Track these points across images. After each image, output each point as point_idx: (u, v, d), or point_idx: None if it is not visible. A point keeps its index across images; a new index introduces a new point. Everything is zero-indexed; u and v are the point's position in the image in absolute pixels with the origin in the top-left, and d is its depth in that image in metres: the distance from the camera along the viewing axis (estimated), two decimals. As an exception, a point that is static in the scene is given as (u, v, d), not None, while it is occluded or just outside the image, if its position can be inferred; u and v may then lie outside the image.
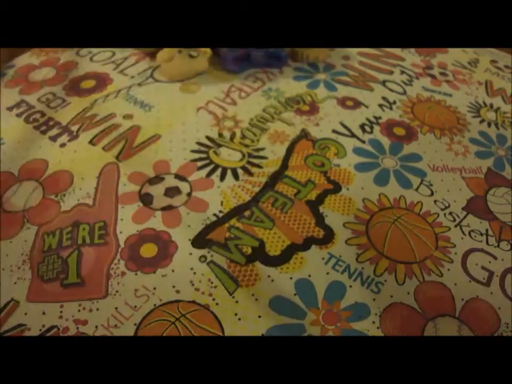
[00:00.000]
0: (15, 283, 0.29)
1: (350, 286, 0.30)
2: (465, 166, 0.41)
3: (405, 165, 0.40)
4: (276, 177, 0.37)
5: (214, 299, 0.28)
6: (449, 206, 0.37)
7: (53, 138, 0.40)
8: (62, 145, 0.39)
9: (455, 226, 0.35)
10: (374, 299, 0.29)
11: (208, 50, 0.47)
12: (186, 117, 0.43)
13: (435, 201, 0.37)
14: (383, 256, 0.32)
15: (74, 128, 0.41)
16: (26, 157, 0.38)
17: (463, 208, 0.37)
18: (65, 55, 0.52)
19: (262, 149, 0.40)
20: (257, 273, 0.30)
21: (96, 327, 0.27)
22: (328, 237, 0.33)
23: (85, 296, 0.28)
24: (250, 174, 0.38)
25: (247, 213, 0.34)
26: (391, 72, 0.54)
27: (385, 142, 0.43)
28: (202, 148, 0.40)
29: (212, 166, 0.38)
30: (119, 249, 0.31)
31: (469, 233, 0.34)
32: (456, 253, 0.33)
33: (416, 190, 0.38)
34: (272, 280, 0.30)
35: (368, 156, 0.41)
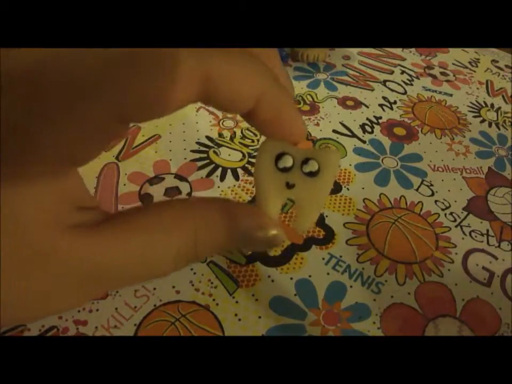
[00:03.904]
0: (15, 283, 0.29)
1: (351, 286, 0.30)
2: (465, 166, 0.41)
3: (405, 165, 0.40)
4: (276, 177, 0.38)
5: (214, 299, 0.28)
6: (449, 206, 0.37)
7: (53, 139, 0.40)
8: (62, 145, 0.39)
9: (456, 226, 0.35)
10: (374, 299, 0.29)
11: None
12: (186, 116, 0.43)
13: (436, 201, 0.37)
14: (384, 257, 0.32)
15: (74, 128, 0.41)
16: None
17: (463, 208, 0.37)
18: (65, 55, 0.52)
19: (262, 149, 0.40)
20: (257, 274, 0.30)
21: (96, 327, 0.27)
22: (329, 237, 0.33)
23: (85, 296, 0.28)
24: (251, 174, 0.38)
25: (247, 213, 0.34)
26: (392, 72, 0.53)
27: (386, 142, 0.43)
28: (202, 148, 0.40)
29: (212, 166, 0.38)
30: (119, 249, 0.31)
31: (470, 234, 0.34)
32: (456, 253, 0.33)
33: (417, 190, 0.38)
34: (272, 281, 0.30)
35: (368, 156, 0.41)
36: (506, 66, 0.58)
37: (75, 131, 0.13)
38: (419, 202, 0.37)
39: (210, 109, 0.44)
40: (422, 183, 0.39)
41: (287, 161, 0.19)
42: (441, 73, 0.54)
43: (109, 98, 0.13)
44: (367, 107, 0.47)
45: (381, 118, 0.46)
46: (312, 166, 0.18)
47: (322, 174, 0.18)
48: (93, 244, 0.14)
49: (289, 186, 0.19)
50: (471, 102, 0.50)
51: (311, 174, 0.18)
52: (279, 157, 0.18)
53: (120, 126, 0.14)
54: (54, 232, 0.13)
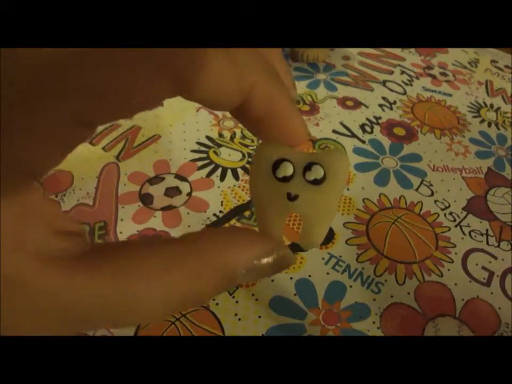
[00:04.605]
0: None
1: (350, 286, 0.30)
2: (465, 166, 0.41)
3: (405, 165, 0.40)
4: (276, 177, 0.38)
5: (214, 299, 0.28)
6: (449, 206, 0.37)
7: (53, 139, 0.40)
8: (62, 145, 0.39)
9: (455, 226, 0.35)
10: (374, 299, 0.29)
11: None
12: (186, 117, 0.43)
13: (435, 201, 0.37)
14: (383, 256, 0.32)
15: (74, 128, 0.41)
16: (26, 157, 0.38)
17: (463, 208, 0.37)
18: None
19: (262, 149, 0.40)
20: (257, 273, 0.30)
21: (96, 327, 0.27)
22: (328, 237, 0.33)
23: (85, 296, 0.28)
24: (251, 174, 0.38)
25: (247, 213, 0.34)
26: (391, 72, 0.54)
27: (386, 142, 0.43)
28: (203, 148, 0.40)
29: (212, 166, 0.38)
30: (119, 249, 0.31)
31: (469, 233, 0.34)
32: (456, 253, 0.33)
33: (417, 190, 0.38)
34: (272, 280, 0.30)
35: (368, 156, 0.41)
36: (506, 66, 0.58)
37: (29, 139, 0.12)
38: (419, 202, 0.37)
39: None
40: (421, 183, 0.39)
41: (287, 169, 0.15)
42: (441, 74, 0.55)
43: (68, 98, 0.11)
44: (367, 107, 0.47)
45: (380, 118, 0.46)
46: (317, 172, 0.15)
47: (330, 180, 0.15)
48: (66, 280, 0.12)
49: (292, 198, 0.16)
50: (470, 102, 0.50)
51: (316, 182, 0.15)
52: (276, 164, 0.15)
53: (85, 130, 0.13)
54: (19, 258, 0.12)
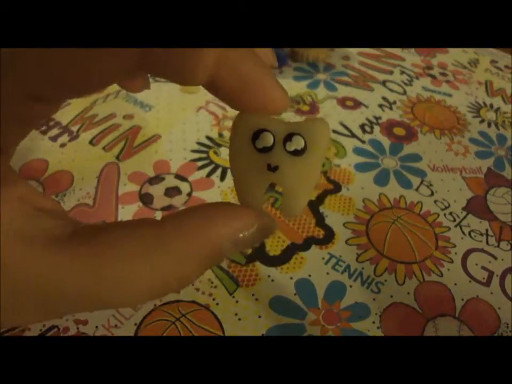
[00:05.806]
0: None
1: (350, 286, 0.30)
2: (465, 166, 0.41)
3: (405, 165, 0.40)
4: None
5: (214, 299, 0.28)
6: (449, 206, 0.37)
7: (53, 139, 0.40)
8: (62, 145, 0.39)
9: (455, 226, 0.35)
10: (374, 299, 0.29)
11: None
12: (186, 117, 0.43)
13: (435, 201, 0.37)
14: (383, 256, 0.32)
15: (74, 128, 0.41)
16: (26, 157, 0.38)
17: (463, 208, 0.37)
18: (65, 55, 0.52)
19: (262, 149, 0.40)
20: (257, 273, 0.30)
21: (97, 327, 0.27)
22: (328, 237, 0.33)
23: (85, 296, 0.28)
24: (250, 174, 0.38)
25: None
26: (391, 72, 0.54)
27: (385, 142, 0.43)
28: (203, 148, 0.40)
29: (212, 166, 0.38)
30: (119, 249, 0.31)
31: (469, 233, 0.34)
32: (456, 253, 0.33)
33: (416, 190, 0.38)
34: (272, 280, 0.30)
35: (368, 156, 0.41)
36: (506, 66, 0.58)
37: None
38: (418, 202, 0.37)
39: (211, 109, 0.44)
40: (421, 183, 0.39)
41: (267, 140, 0.15)
42: (441, 74, 0.55)
43: (22, 74, 0.11)
44: (367, 107, 0.47)
45: (380, 118, 0.46)
46: (297, 143, 0.15)
47: (310, 151, 0.15)
48: (46, 262, 0.12)
49: (272, 169, 0.15)
50: (470, 102, 0.50)
51: (297, 153, 0.15)
52: (256, 135, 0.15)
53: (44, 106, 0.12)
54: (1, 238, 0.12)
